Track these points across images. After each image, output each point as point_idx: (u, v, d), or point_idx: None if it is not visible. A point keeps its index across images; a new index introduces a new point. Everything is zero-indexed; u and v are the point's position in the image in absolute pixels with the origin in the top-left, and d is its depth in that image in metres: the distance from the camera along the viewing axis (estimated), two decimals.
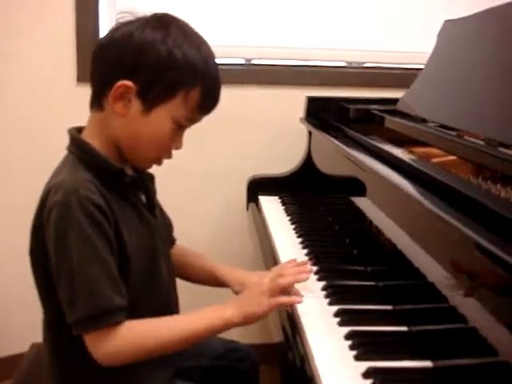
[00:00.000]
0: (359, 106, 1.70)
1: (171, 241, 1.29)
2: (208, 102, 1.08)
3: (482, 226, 0.76)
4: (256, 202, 1.83)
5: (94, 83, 1.08)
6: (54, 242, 0.98)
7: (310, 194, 1.81)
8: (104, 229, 0.99)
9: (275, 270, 1.16)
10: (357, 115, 1.67)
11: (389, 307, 1.07)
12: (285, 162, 1.94)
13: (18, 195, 1.88)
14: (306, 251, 1.36)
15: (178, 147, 1.11)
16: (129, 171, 1.13)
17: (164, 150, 1.09)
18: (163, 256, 1.16)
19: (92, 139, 1.07)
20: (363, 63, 2.23)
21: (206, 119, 2.06)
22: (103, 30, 2.01)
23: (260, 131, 2.11)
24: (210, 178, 2.12)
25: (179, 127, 1.07)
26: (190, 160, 2.05)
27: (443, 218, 0.81)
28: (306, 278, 1.12)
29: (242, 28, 2.10)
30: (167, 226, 1.26)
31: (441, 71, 1.47)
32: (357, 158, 1.26)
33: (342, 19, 2.14)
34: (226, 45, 2.08)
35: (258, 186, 1.88)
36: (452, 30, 1.47)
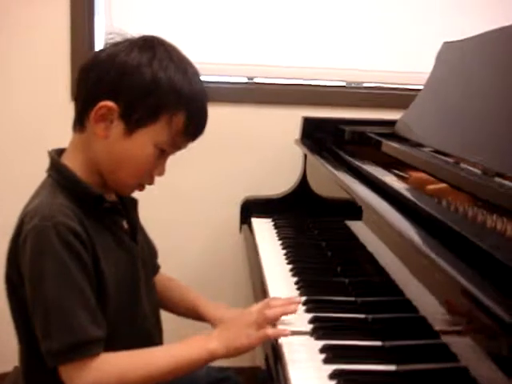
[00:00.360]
0: (355, 128, 1.66)
1: (155, 268, 1.25)
2: (193, 128, 1.04)
3: (472, 267, 0.71)
4: (249, 223, 1.78)
5: (77, 103, 1.05)
6: (28, 270, 0.95)
7: (304, 216, 1.76)
8: (81, 257, 0.95)
9: (262, 302, 1.11)
10: (352, 138, 1.63)
11: (378, 343, 1.02)
12: (281, 183, 1.90)
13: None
14: (295, 279, 1.31)
15: (161, 174, 1.07)
16: (110, 196, 1.09)
17: (145, 175, 1.06)
18: (146, 284, 1.12)
19: (72, 162, 1.04)
20: (362, 83, 2.19)
21: (202, 137, 2.04)
22: (98, 49, 1.97)
23: (256, 151, 2.07)
24: (202, 199, 2.08)
25: (162, 153, 1.04)
26: (182, 179, 2.03)
27: (431, 259, 0.76)
28: (295, 310, 1.07)
29: (243, 46, 2.06)
30: (151, 252, 1.22)
31: (438, 94, 1.43)
32: (347, 185, 1.22)
33: (342, 39, 2.10)
34: (226, 63, 2.05)
35: (252, 208, 1.84)
36: (450, 52, 1.44)
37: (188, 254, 2.10)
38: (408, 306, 0.94)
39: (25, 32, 1.94)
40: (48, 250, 0.93)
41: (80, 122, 1.04)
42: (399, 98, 2.05)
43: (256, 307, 1.07)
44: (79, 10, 1.94)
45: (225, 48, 2.04)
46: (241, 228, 1.83)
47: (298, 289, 1.26)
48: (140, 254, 1.12)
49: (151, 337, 1.13)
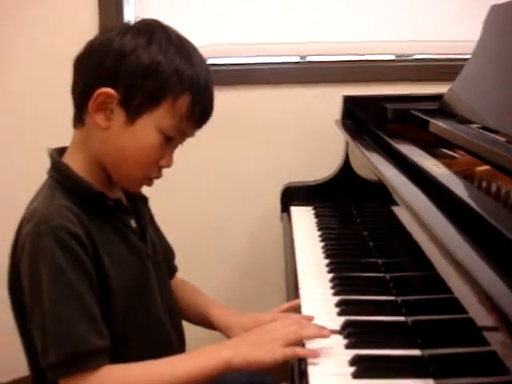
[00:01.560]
0: (398, 106, 1.52)
1: (171, 270, 1.17)
2: (198, 112, 0.96)
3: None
4: (288, 212, 1.68)
5: (74, 96, 0.98)
6: (26, 277, 0.89)
7: (347, 203, 1.64)
8: (81, 261, 0.88)
9: (288, 317, 1.02)
10: (395, 116, 1.49)
11: (417, 352, 0.90)
12: (324, 168, 1.77)
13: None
14: (331, 275, 1.19)
15: (168, 164, 0.99)
16: (115, 194, 1.02)
17: (151, 167, 0.98)
18: (159, 287, 1.05)
19: (73, 160, 0.97)
20: (413, 55, 2.03)
21: (237, 121, 1.94)
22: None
23: (298, 134, 1.96)
24: (242, 187, 1.99)
25: (168, 141, 0.97)
26: (220, 167, 1.95)
27: (462, 266, 0.64)
28: (329, 335, 0.95)
29: (283, 24, 1.96)
30: (167, 253, 1.14)
31: (488, 63, 1.27)
32: (381, 172, 1.09)
33: (391, 10, 1.95)
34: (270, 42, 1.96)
35: (292, 195, 1.73)
36: (500, 16, 1.27)
37: (228, 246, 2.02)
38: (455, 305, 0.80)
39: (52, 23, 1.90)
40: (44, 255, 0.86)
41: (79, 117, 0.97)
42: (455, 68, 1.89)
43: (283, 323, 0.98)
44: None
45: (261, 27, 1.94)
46: (282, 217, 1.73)
47: (333, 287, 1.14)
48: (151, 254, 1.05)
49: (168, 345, 1.05)
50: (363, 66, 1.98)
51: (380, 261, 1.24)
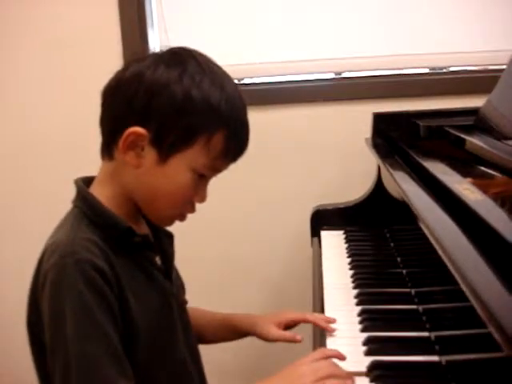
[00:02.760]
0: (431, 122, 1.42)
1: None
2: (234, 148, 0.92)
3: None
4: (319, 237, 1.59)
5: (103, 130, 0.94)
6: (48, 312, 0.84)
7: (380, 226, 1.55)
8: (107, 298, 0.83)
9: (317, 351, 0.95)
10: (428, 133, 1.39)
11: None
12: (355, 189, 1.69)
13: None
14: (359, 309, 1.11)
15: (202, 200, 0.95)
16: (142, 229, 0.97)
17: (185, 204, 0.94)
18: (182, 326, 1.00)
19: (101, 192, 0.93)
20: (448, 67, 1.93)
21: (265, 142, 1.87)
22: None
23: (328, 154, 1.88)
24: (271, 209, 1.92)
25: (201, 178, 0.92)
26: (248, 188, 1.90)
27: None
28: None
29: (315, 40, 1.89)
30: (182, 289, 1.08)
31: None
32: (410, 200, 1.00)
33: (424, 21, 1.86)
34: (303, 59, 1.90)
35: (322, 219, 1.64)
36: None
37: (259, 272, 1.95)
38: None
39: (77, 45, 1.87)
40: (69, 289, 0.82)
41: (108, 150, 0.93)
42: (492, 80, 1.78)
43: (311, 357, 0.90)
44: (130, 24, 1.85)
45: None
46: (312, 242, 1.64)
47: (361, 322, 1.05)
48: (175, 293, 1.00)
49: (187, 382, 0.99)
50: (396, 81, 1.89)
51: (413, 291, 1.15)
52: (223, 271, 1.95)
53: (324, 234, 1.58)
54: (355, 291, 1.19)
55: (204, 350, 1.10)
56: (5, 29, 1.88)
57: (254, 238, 1.94)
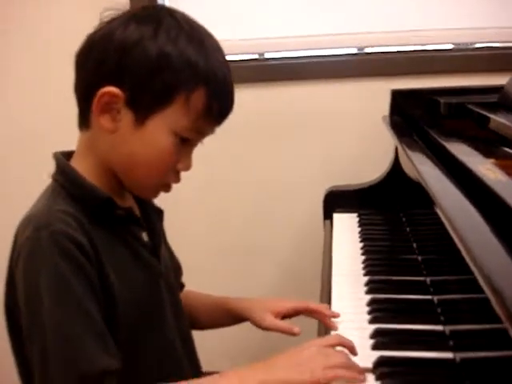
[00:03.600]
0: (453, 100, 1.33)
1: (179, 287, 1.06)
2: (216, 108, 0.85)
3: None
4: (331, 220, 1.52)
5: (77, 97, 0.87)
6: (23, 289, 0.78)
7: (396, 209, 1.47)
8: (85, 271, 0.77)
9: (328, 336, 0.89)
10: (449, 111, 1.30)
11: None
12: (370, 170, 1.61)
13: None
14: (368, 297, 1.03)
15: (187, 168, 0.88)
16: (128, 203, 0.91)
17: (167, 172, 0.87)
18: (172, 308, 0.94)
19: (80, 164, 0.87)
20: (473, 43, 1.82)
21: (278, 120, 1.79)
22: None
23: (343, 132, 1.79)
24: (283, 190, 1.84)
25: (184, 142, 0.85)
26: (260, 167, 1.83)
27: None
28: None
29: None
30: (176, 271, 1.02)
31: None
32: (426, 181, 0.92)
33: None
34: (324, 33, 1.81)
35: (336, 201, 1.57)
36: None
37: (270, 254, 1.88)
38: None
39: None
40: (43, 262, 0.76)
41: (84, 118, 0.87)
42: None
43: (325, 341, 0.84)
44: None
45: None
46: (324, 225, 1.57)
47: (370, 312, 0.98)
48: (164, 272, 0.93)
49: (181, 369, 0.94)
50: (419, 57, 1.79)
51: (429, 279, 1.07)
52: (235, 254, 1.88)
53: (337, 216, 1.51)
54: (365, 278, 1.12)
55: (200, 334, 1.04)
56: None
57: (266, 220, 1.87)
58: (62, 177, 0.85)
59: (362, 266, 1.18)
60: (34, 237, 0.77)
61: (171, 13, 0.85)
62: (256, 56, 1.83)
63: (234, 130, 1.76)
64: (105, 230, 0.84)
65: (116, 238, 0.86)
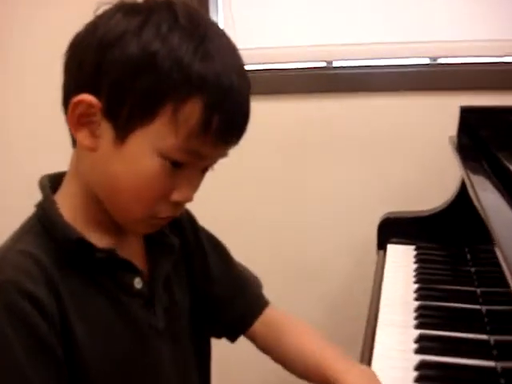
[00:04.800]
0: None
1: (257, 305, 0.89)
2: (217, 123, 0.66)
3: None
4: (385, 251, 1.35)
5: (63, 106, 0.72)
6: None
7: (461, 243, 1.28)
8: (36, 330, 0.63)
9: None
10: None
11: None
12: (434, 196, 1.43)
13: None
14: (419, 358, 0.86)
15: (184, 198, 0.71)
16: (126, 237, 0.75)
17: (155, 201, 0.70)
18: (175, 365, 0.78)
19: (66, 189, 0.73)
20: None
21: (331, 136, 1.63)
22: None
23: (405, 151, 1.62)
24: (334, 214, 1.68)
25: (177, 166, 0.68)
26: (310, 189, 1.69)
27: None
28: None
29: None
30: (242, 289, 0.88)
31: None
32: (491, 224, 0.76)
33: None
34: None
35: (392, 229, 1.40)
36: None
37: (320, 283, 1.73)
38: None
39: None
40: None
41: (70, 132, 0.72)
42: None
43: None
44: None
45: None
46: (378, 255, 1.40)
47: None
48: (162, 327, 0.76)
49: None
50: (495, 70, 1.60)
51: (492, 339, 0.89)
52: (282, 277, 1.75)
53: (391, 248, 1.34)
54: (416, 332, 0.94)
55: None
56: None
57: (316, 244, 1.73)
58: (40, 208, 0.72)
59: (414, 315, 1.00)
60: None
61: (170, 4, 0.68)
62: (324, 64, 1.69)
63: (288, 142, 1.64)
64: (80, 276, 0.69)
65: (94, 287, 0.71)
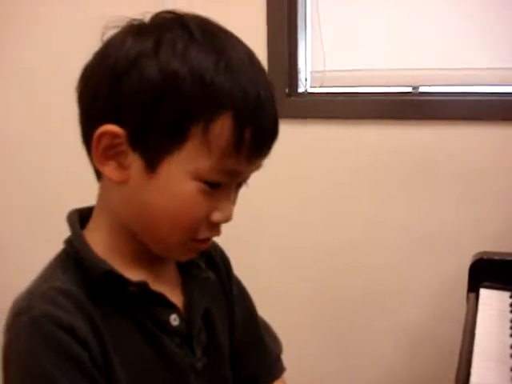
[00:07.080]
0: None
1: (271, 373, 0.85)
2: (250, 136, 0.64)
3: None
4: (477, 295, 1.23)
5: (82, 140, 0.70)
6: None
7: None
8: (78, 361, 0.60)
9: None
10: None
11: None
12: None
13: None
14: None
15: (225, 218, 0.68)
16: (164, 271, 0.73)
17: (195, 225, 0.67)
18: None
19: (96, 223, 0.71)
20: None
21: (423, 165, 1.54)
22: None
23: (503, 186, 1.51)
24: (418, 251, 1.59)
25: (214, 187, 0.65)
26: (390, 223, 1.60)
27: None
28: None
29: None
30: (258, 353, 0.83)
31: None
32: None
33: None
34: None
35: (485, 271, 1.28)
36: None
37: (397, 318, 1.63)
38: None
39: None
40: (17, 358, 0.61)
41: (94, 165, 0.69)
42: None
43: None
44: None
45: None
46: (468, 298, 1.29)
47: None
48: (200, 366, 0.72)
49: None
50: None
51: None
52: (360, 311, 1.67)
53: (484, 293, 1.22)
54: None
55: None
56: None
57: (400, 280, 1.63)
58: (70, 244, 0.70)
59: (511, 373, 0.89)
60: (12, 324, 0.62)
61: (181, 19, 0.65)
62: (409, 89, 1.61)
63: (369, 171, 1.55)
64: (114, 309, 0.66)
65: (130, 322, 0.67)
